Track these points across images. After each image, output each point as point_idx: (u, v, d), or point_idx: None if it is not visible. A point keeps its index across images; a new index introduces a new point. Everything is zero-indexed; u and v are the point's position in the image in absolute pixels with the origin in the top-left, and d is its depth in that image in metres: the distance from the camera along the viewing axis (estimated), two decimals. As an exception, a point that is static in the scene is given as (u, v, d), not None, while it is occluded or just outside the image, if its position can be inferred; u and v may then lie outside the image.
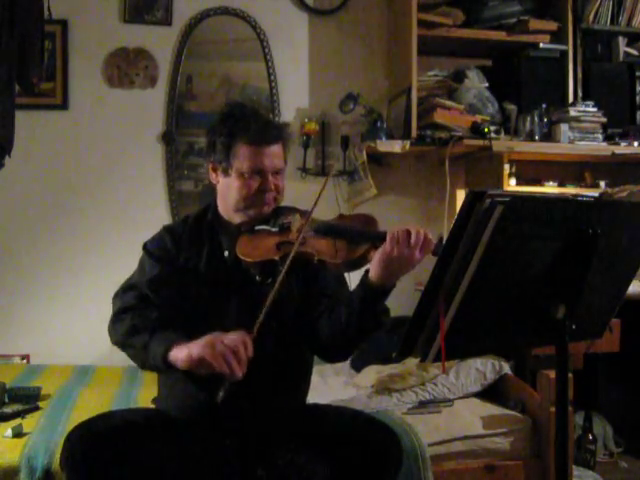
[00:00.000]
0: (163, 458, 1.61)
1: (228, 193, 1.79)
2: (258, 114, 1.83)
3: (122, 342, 1.73)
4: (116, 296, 1.82)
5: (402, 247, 1.53)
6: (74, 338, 3.21)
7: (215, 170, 1.82)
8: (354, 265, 1.63)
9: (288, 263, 1.61)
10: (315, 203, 1.69)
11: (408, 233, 1.54)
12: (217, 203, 1.86)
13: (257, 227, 1.78)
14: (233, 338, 1.54)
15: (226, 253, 1.81)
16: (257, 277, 1.76)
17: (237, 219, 1.81)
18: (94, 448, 1.55)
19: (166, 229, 1.88)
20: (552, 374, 1.50)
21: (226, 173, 1.78)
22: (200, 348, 1.54)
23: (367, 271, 1.61)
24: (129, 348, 1.72)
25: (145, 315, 1.71)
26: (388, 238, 1.55)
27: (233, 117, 1.78)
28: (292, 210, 1.81)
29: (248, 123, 1.75)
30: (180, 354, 1.58)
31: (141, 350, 1.66)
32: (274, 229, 1.76)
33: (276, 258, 1.68)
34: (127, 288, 1.80)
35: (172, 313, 1.74)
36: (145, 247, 1.85)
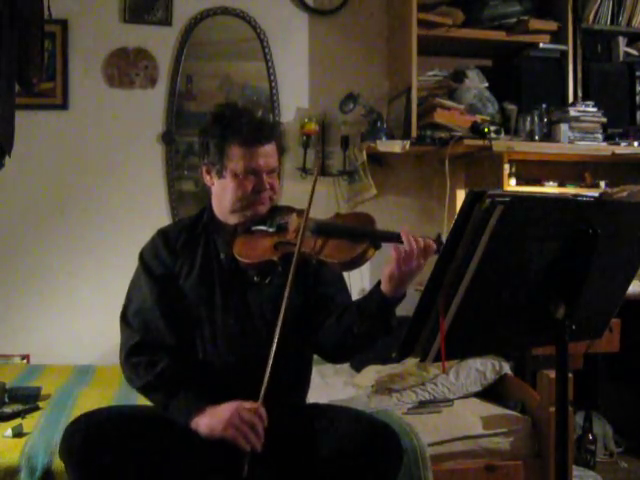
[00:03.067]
0: (161, 453, 1.62)
1: (223, 195, 1.79)
2: (250, 114, 1.82)
3: (140, 392, 1.77)
4: (123, 321, 1.81)
5: (409, 263, 1.54)
6: (74, 338, 3.21)
7: (209, 172, 1.81)
8: (353, 264, 1.62)
9: (293, 271, 1.61)
10: (309, 203, 1.68)
11: (415, 249, 1.54)
12: (212, 205, 1.86)
13: (254, 227, 1.77)
14: (250, 412, 1.57)
15: (222, 255, 1.81)
16: (255, 278, 1.76)
17: (233, 220, 1.80)
18: (94, 438, 1.56)
19: (160, 234, 1.87)
20: (552, 374, 1.49)
21: (220, 175, 1.77)
22: (222, 428, 1.58)
23: (379, 282, 1.62)
24: (148, 399, 1.76)
25: (156, 366, 1.71)
26: (394, 258, 1.55)
27: (225, 118, 1.77)
28: (288, 210, 1.81)
29: (240, 124, 1.74)
30: (202, 426, 1.62)
31: (160, 408, 1.70)
32: (271, 229, 1.75)
33: (274, 259, 1.68)
34: (133, 314, 1.79)
35: (178, 333, 1.76)
36: (141, 258, 1.84)
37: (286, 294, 1.61)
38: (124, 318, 1.81)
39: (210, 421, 1.61)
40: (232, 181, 1.75)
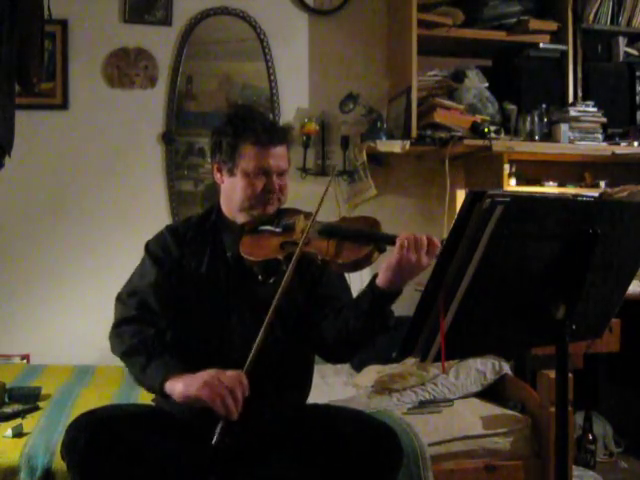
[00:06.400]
0: (163, 450, 1.62)
1: (233, 193, 1.80)
2: (264, 116, 1.88)
3: (121, 359, 1.74)
4: (118, 300, 1.81)
5: (410, 253, 1.54)
6: (74, 338, 3.21)
7: (220, 170, 1.84)
8: (357, 266, 1.63)
9: (293, 263, 1.62)
10: (319, 204, 1.70)
11: (415, 239, 1.55)
12: (221, 203, 1.88)
13: (261, 227, 1.79)
14: (230, 377, 1.54)
15: (229, 253, 1.82)
16: (260, 276, 1.77)
17: (241, 219, 1.82)
18: (95, 436, 1.55)
19: (168, 229, 1.89)
20: (552, 374, 1.49)
21: (231, 173, 1.80)
22: (198, 387, 1.54)
23: (375, 276, 1.62)
24: (128, 366, 1.73)
25: (143, 333, 1.70)
26: (397, 246, 1.56)
27: (239, 118, 1.81)
28: (295, 212, 1.82)
29: (254, 124, 1.77)
30: (177, 387, 1.58)
31: (139, 372, 1.67)
32: (278, 229, 1.77)
33: (280, 258, 1.69)
34: (130, 294, 1.79)
35: (172, 321, 1.75)
36: (147, 248, 1.86)
37: (282, 284, 1.60)
38: (119, 298, 1.81)
39: (186, 382, 1.57)
40: (242, 180, 1.77)
